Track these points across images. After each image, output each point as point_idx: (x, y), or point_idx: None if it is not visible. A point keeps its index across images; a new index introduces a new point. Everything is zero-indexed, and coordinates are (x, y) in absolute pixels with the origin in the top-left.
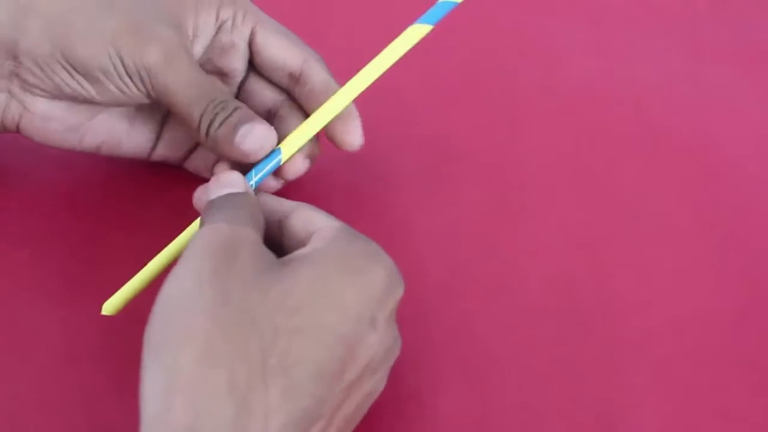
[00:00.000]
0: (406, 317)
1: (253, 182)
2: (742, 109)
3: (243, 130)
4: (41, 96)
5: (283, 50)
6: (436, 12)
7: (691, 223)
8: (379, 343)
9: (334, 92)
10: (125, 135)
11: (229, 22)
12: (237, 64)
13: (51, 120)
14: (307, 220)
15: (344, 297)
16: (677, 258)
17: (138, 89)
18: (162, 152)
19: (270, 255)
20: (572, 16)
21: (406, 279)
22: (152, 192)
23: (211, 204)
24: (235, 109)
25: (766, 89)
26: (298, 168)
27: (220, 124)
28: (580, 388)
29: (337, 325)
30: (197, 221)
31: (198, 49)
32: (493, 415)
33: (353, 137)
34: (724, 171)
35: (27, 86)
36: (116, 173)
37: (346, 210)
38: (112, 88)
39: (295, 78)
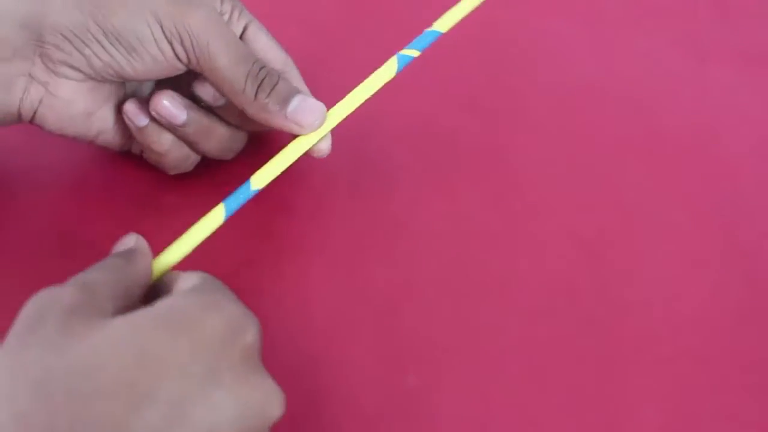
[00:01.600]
0: (405, 316)
1: (226, 212)
2: (743, 109)
3: (296, 101)
4: (66, 77)
5: (269, 50)
6: (423, 40)
7: (691, 223)
8: (232, 398)
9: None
10: (117, 124)
11: (227, 16)
12: None
13: (72, 103)
14: (178, 284)
15: (159, 353)
16: (678, 258)
17: (176, 54)
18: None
19: (89, 314)
20: (574, 16)
21: (406, 276)
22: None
23: None
24: (280, 78)
25: (766, 89)
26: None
27: (270, 92)
28: (580, 388)
29: (150, 384)
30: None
31: None
32: (493, 414)
33: (322, 144)
34: (725, 171)
35: (52, 64)
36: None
37: (346, 207)
38: (147, 57)
39: None
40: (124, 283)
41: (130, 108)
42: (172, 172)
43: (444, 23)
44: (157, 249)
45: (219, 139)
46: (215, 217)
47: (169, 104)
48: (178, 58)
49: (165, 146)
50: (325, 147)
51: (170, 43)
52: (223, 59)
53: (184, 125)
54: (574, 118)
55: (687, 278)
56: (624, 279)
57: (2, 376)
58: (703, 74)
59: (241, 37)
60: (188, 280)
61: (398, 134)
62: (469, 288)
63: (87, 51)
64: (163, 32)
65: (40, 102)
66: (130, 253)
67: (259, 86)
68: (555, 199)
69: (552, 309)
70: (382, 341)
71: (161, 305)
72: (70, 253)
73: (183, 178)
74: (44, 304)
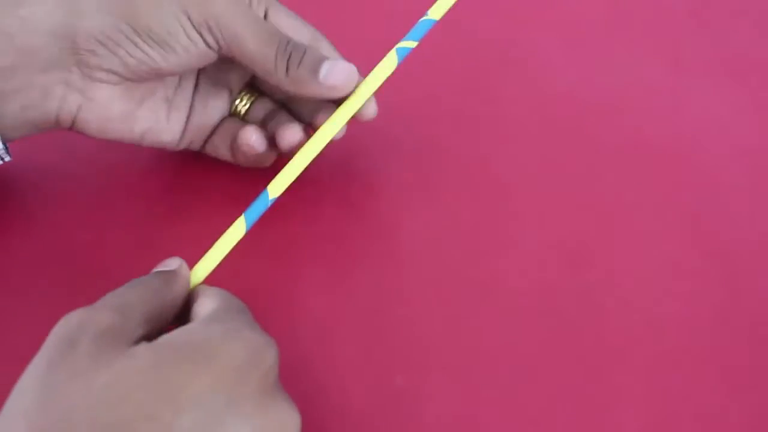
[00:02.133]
0: (393, 318)
1: (248, 223)
2: (720, 118)
3: (326, 67)
4: (102, 81)
5: (292, 28)
6: (418, 30)
7: (671, 229)
8: (250, 427)
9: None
10: (165, 122)
11: (247, 1)
12: None
13: (110, 106)
14: (198, 306)
15: (180, 386)
16: (658, 262)
17: (206, 42)
18: (189, 137)
19: (119, 340)
20: (554, 27)
21: (394, 280)
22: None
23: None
24: (307, 48)
25: (744, 99)
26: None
27: (300, 63)
28: (563, 389)
29: (170, 417)
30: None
31: None
32: (478, 415)
33: (369, 108)
34: (703, 179)
35: (88, 70)
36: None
37: (336, 214)
38: (179, 49)
39: None
40: (159, 306)
41: (254, 135)
42: (246, 165)
43: (437, 10)
44: (181, 255)
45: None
46: (237, 230)
47: (251, 134)
48: (209, 47)
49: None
50: (372, 110)
51: (200, 33)
52: (251, 42)
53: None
54: (554, 127)
55: (667, 283)
56: (605, 283)
57: (29, 400)
58: (681, 84)
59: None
60: (208, 304)
61: (385, 142)
62: (456, 291)
63: (121, 51)
64: (192, 23)
65: (79, 108)
66: (170, 276)
67: (288, 61)
68: (538, 206)
69: (535, 313)
70: (370, 342)
71: (183, 335)
72: (94, 261)
73: (207, 186)
74: (77, 327)
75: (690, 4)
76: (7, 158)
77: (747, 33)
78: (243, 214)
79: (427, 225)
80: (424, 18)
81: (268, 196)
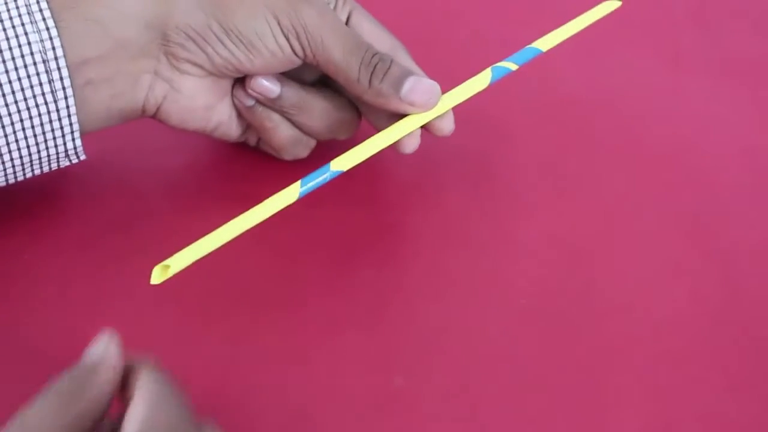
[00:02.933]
0: (392, 318)
1: (302, 189)
2: (720, 118)
3: (408, 83)
4: (189, 73)
5: (374, 35)
6: (523, 55)
7: (671, 228)
8: None
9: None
10: (236, 118)
11: (333, 4)
12: None
13: (194, 98)
14: (128, 412)
15: None
16: (658, 262)
17: (293, 49)
18: (251, 134)
19: None
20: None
21: (394, 279)
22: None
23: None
24: (392, 62)
25: (743, 99)
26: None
27: (383, 77)
28: (563, 389)
29: None
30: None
31: None
32: (478, 415)
33: (444, 123)
34: (702, 178)
35: (177, 62)
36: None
37: (336, 214)
38: (265, 52)
39: None
40: (74, 417)
41: (238, 91)
42: (287, 157)
43: (545, 42)
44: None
45: (321, 115)
46: (290, 194)
47: (263, 79)
48: (295, 53)
49: (275, 121)
50: (448, 126)
51: (287, 39)
52: (337, 52)
53: (279, 97)
54: (555, 126)
55: (667, 282)
56: (605, 283)
57: None
58: (682, 84)
59: (346, 24)
60: (134, 416)
61: None
62: (456, 291)
63: (209, 49)
64: (281, 28)
65: (164, 98)
66: (89, 374)
67: (372, 73)
68: (538, 205)
69: (536, 313)
70: (369, 342)
71: None
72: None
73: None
74: None
75: (690, 4)
76: (83, 156)
77: (747, 33)
78: (300, 180)
79: (428, 223)
80: (532, 46)
81: (329, 168)
